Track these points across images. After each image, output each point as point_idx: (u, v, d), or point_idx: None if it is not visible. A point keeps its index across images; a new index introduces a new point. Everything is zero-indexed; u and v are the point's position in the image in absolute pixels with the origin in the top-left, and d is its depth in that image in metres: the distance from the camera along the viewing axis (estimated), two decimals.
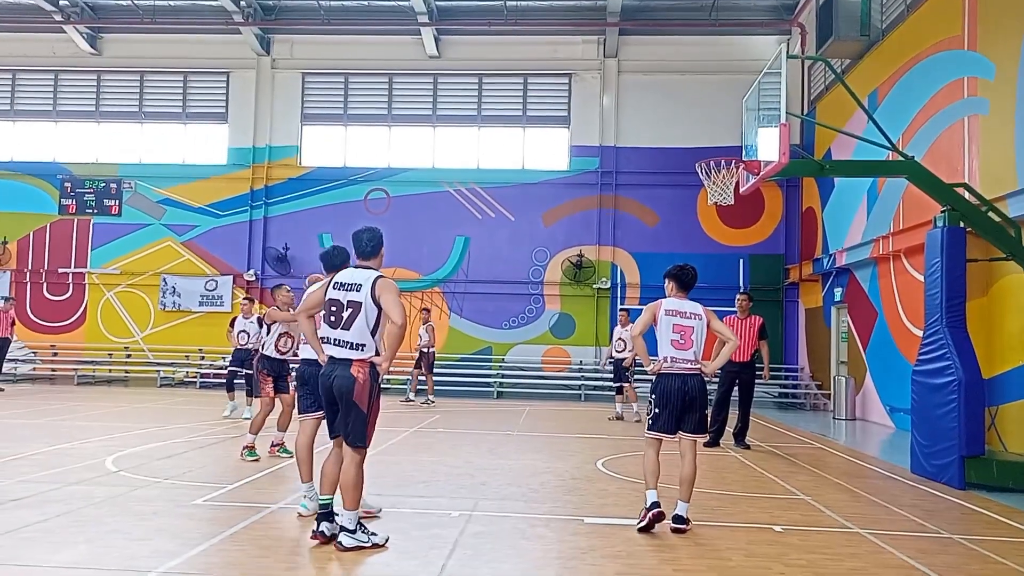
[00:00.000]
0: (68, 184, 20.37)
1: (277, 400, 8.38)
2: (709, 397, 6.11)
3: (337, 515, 4.94)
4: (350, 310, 4.75)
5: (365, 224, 5.22)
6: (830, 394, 16.07)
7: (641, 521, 5.52)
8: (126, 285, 20.14)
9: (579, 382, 18.43)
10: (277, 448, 8.41)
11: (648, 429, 5.82)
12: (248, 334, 12.02)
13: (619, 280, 19.26)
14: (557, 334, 19.28)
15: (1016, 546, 5.47)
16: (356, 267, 5.01)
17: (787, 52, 8.30)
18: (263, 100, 20.27)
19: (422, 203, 19.58)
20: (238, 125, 20.35)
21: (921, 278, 10.85)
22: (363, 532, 4.83)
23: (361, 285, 4.78)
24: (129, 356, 19.82)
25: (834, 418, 14.97)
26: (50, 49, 20.57)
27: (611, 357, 13.60)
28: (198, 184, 20.20)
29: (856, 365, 15.32)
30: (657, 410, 5.76)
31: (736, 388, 10.16)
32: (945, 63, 11.94)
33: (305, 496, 5.82)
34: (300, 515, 5.68)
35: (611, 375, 14.12)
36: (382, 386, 5.00)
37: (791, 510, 6.41)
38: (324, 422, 5.32)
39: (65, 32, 19.95)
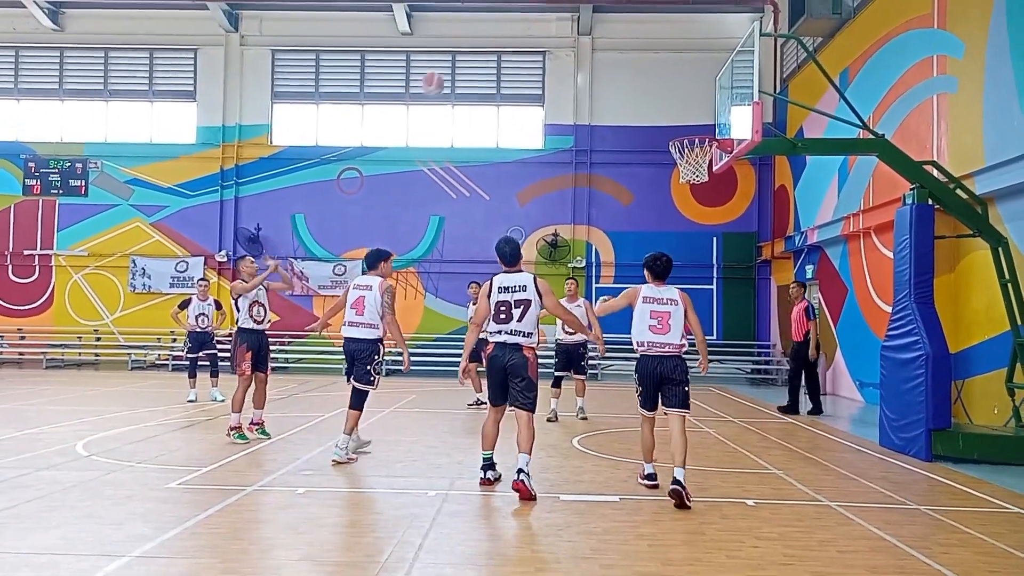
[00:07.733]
0: (32, 164, 19.91)
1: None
2: (689, 375, 6.17)
3: (496, 463, 6.32)
4: (521, 307, 5.90)
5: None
6: None
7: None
8: (94, 267, 19.79)
9: (554, 361, 18.46)
10: (256, 427, 8.35)
11: (639, 407, 6.29)
12: (207, 316, 11.92)
13: (594, 259, 19.31)
14: None
15: (979, 516, 5.61)
16: (512, 272, 6.08)
17: (760, 30, 8.31)
18: (232, 78, 19.91)
19: (396, 182, 19.40)
20: (207, 103, 19.99)
21: (890, 255, 11.01)
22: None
23: (526, 286, 5.95)
24: (99, 339, 19.54)
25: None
26: (10, 25, 19.99)
27: (557, 340, 10.80)
28: (167, 164, 19.85)
29: (826, 341, 15.54)
30: (641, 388, 6.18)
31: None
32: (915, 41, 12.03)
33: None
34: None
35: (560, 363, 10.83)
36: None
37: (763, 484, 6.51)
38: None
39: (25, 7, 19.37)
